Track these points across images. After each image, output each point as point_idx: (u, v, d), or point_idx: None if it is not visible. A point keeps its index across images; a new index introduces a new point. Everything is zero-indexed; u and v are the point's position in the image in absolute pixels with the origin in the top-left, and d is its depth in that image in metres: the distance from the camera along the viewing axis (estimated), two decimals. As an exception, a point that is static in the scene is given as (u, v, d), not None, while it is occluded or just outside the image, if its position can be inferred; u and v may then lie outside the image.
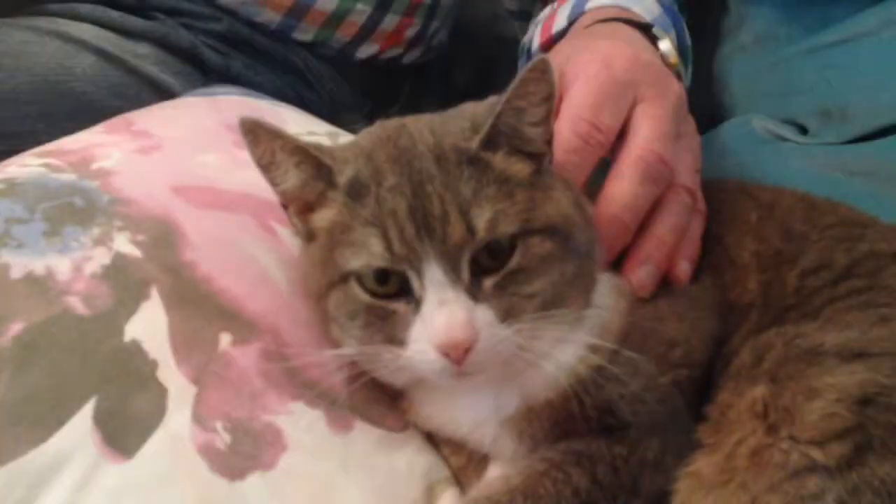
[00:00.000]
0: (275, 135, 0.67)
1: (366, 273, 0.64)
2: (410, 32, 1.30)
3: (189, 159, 0.85)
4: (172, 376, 0.65)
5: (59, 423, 0.61)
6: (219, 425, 0.65)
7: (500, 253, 0.64)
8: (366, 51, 1.29)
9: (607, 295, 0.70)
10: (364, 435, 0.71)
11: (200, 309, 0.70)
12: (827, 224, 0.76)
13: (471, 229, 0.62)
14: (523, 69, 0.64)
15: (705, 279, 0.74)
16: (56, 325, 0.65)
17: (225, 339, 0.69)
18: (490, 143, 0.65)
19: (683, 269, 0.74)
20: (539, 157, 0.68)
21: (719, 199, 0.80)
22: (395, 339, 0.64)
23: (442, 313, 0.62)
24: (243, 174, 0.85)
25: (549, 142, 0.68)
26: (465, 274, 0.63)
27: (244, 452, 0.64)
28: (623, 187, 0.72)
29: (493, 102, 0.67)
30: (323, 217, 0.68)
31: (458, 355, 0.61)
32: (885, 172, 0.93)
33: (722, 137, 1.10)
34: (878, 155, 0.95)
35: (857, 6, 1.04)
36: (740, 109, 1.15)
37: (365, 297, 0.65)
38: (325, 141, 0.94)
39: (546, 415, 0.69)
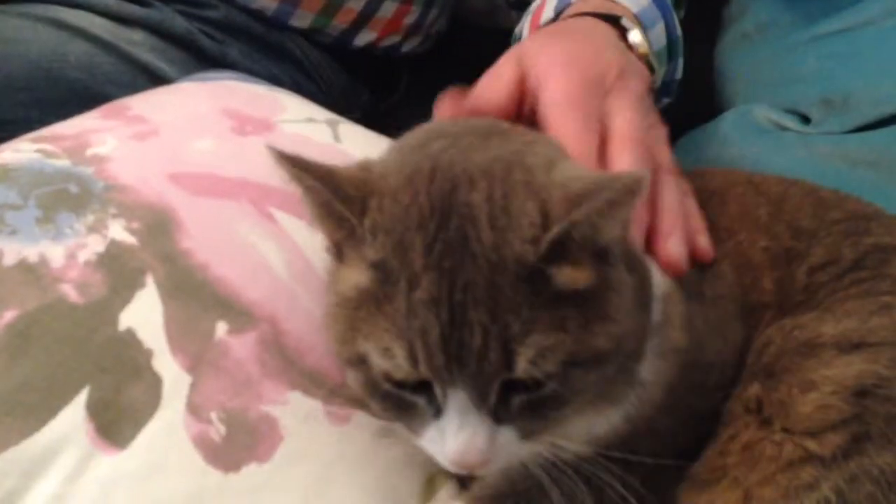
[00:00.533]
0: (294, 172, 0.58)
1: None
2: (409, 20, 1.29)
3: (185, 145, 0.83)
4: (167, 366, 0.64)
5: (52, 412, 0.60)
6: (214, 416, 0.64)
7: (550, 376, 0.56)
8: (363, 38, 1.28)
9: (650, 364, 0.63)
10: (362, 426, 0.69)
11: (196, 297, 0.69)
12: (834, 219, 0.74)
13: (509, 364, 0.54)
14: (620, 185, 0.54)
15: (730, 279, 0.70)
16: (49, 313, 0.64)
17: (221, 328, 0.68)
18: (556, 251, 0.54)
19: (703, 242, 0.70)
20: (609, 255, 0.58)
21: (726, 193, 0.78)
22: (412, 426, 0.59)
23: (460, 438, 0.56)
24: (241, 160, 0.84)
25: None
26: (494, 397, 0.55)
27: (239, 444, 0.64)
28: (627, 165, 0.69)
29: (572, 194, 0.55)
30: (349, 279, 0.58)
31: (470, 470, 0.59)
32: (888, 162, 0.92)
33: (723, 127, 1.09)
34: (881, 144, 0.94)
35: (860, -6, 1.03)
36: (742, 99, 1.14)
37: (385, 384, 0.58)
38: (325, 130, 0.93)
39: (566, 464, 0.64)
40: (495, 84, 0.75)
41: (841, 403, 0.62)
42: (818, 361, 0.64)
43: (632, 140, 0.71)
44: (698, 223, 0.73)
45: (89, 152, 0.78)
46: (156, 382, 0.64)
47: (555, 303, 0.54)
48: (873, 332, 0.65)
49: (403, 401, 0.58)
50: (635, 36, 0.87)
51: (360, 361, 0.58)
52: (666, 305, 0.64)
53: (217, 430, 0.63)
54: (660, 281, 0.65)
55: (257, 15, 1.21)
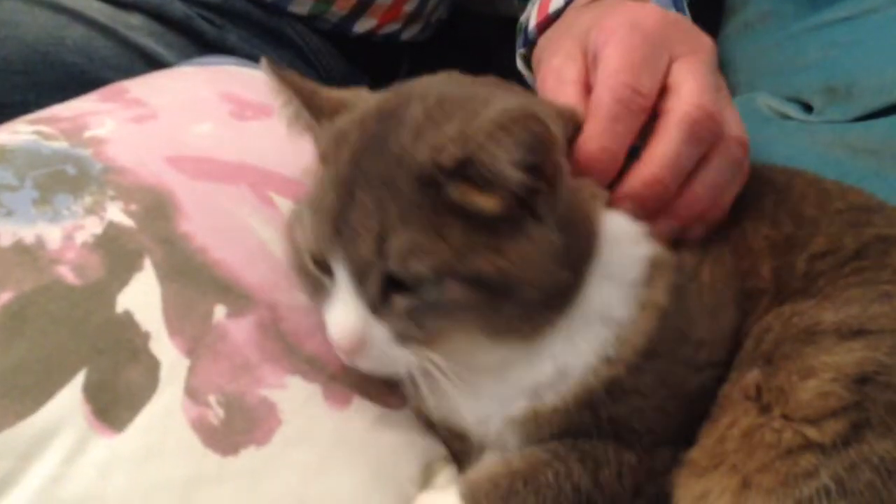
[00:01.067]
0: (278, 82, 0.69)
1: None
2: (409, 7, 1.28)
3: (184, 129, 0.83)
4: (165, 349, 0.64)
5: (48, 394, 0.59)
6: (212, 399, 0.63)
7: (422, 281, 0.60)
8: (363, 25, 1.27)
9: (626, 307, 0.66)
10: (362, 411, 0.69)
11: (195, 281, 0.68)
12: (837, 209, 0.74)
13: (381, 253, 0.59)
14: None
15: (729, 264, 0.70)
16: (46, 294, 0.63)
17: (220, 312, 0.68)
18: (458, 170, 0.59)
19: (698, 231, 0.71)
20: (522, 199, 0.61)
21: None
22: (321, 305, 0.66)
23: (334, 313, 0.63)
24: (240, 144, 0.84)
25: (542, 183, 0.61)
26: (374, 288, 0.61)
27: (237, 427, 0.63)
28: (666, 145, 0.68)
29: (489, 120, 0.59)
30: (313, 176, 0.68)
31: (345, 355, 0.64)
32: (890, 150, 0.92)
33: (726, 116, 1.10)
34: (884, 133, 0.94)
35: (864, -17, 1.03)
36: (745, 87, 1.14)
37: (309, 265, 0.66)
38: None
39: (555, 420, 0.67)
40: (561, 88, 0.74)
41: (841, 390, 0.61)
42: (818, 348, 0.64)
43: (688, 116, 0.68)
44: (719, 211, 0.72)
45: (87, 134, 0.77)
46: (153, 365, 0.63)
47: (443, 214, 0.59)
48: (874, 319, 0.65)
49: (318, 280, 0.65)
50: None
51: (296, 246, 0.67)
52: (652, 268, 0.66)
53: (215, 414, 0.63)
54: (646, 244, 0.67)
55: (257, 0, 1.20)
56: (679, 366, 0.66)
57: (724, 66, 1.20)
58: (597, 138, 0.67)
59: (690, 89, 0.70)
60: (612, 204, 0.67)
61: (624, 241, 0.67)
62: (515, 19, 1.07)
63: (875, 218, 0.74)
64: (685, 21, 0.79)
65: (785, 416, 0.62)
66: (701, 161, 0.70)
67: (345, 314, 0.62)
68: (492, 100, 0.64)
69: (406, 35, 1.33)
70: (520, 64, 0.99)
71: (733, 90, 1.15)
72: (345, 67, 1.30)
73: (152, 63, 1.13)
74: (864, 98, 0.97)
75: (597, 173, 0.68)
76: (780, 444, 0.61)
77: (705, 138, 0.69)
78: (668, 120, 0.69)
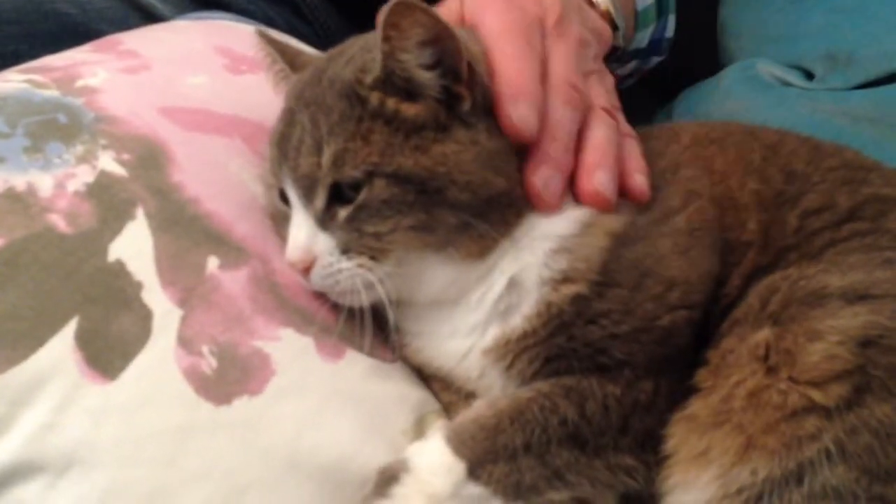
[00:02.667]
0: (265, 45, 0.79)
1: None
2: (408, -36, 1.27)
3: (178, 81, 0.82)
4: (157, 298, 0.64)
5: (40, 342, 0.59)
6: (205, 349, 0.63)
7: (360, 189, 0.66)
8: (363, -18, 1.26)
9: (570, 226, 0.70)
10: (354, 364, 0.69)
11: (187, 231, 0.68)
12: (830, 166, 0.75)
13: (319, 165, 0.66)
14: (382, 11, 0.64)
15: (708, 211, 0.72)
16: (37, 242, 0.62)
17: (212, 263, 0.67)
18: (382, 82, 0.66)
19: (638, 181, 0.73)
20: (445, 103, 0.67)
21: (725, 139, 0.79)
22: (285, 236, 0.71)
23: (290, 234, 0.69)
24: (235, 97, 0.83)
25: (459, 86, 0.67)
26: (320, 202, 0.67)
27: (231, 377, 0.63)
28: (554, 111, 0.71)
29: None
30: None
31: (299, 272, 0.68)
32: (891, 119, 0.92)
33: (726, 81, 1.10)
34: (884, 101, 0.94)
35: (867, -50, 1.03)
36: (745, 54, 1.14)
37: (279, 203, 0.72)
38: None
39: (530, 347, 0.68)
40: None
41: (846, 353, 0.62)
42: (824, 311, 0.65)
43: (564, 83, 0.73)
44: (636, 163, 0.74)
45: (79, 83, 0.76)
46: (146, 315, 0.63)
47: (367, 122, 0.66)
48: (877, 284, 0.66)
49: (283, 214, 0.71)
50: None
51: (268, 189, 0.74)
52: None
53: (208, 364, 0.63)
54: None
55: (255, -45, 1.19)
56: (648, 300, 0.68)
57: (724, 32, 1.21)
58: (509, 65, 0.70)
59: (559, 59, 0.75)
60: (539, 180, 0.70)
61: None
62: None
63: (871, 176, 0.75)
64: (566, 3, 0.81)
65: (791, 379, 0.63)
66: (583, 127, 0.74)
67: (296, 232, 0.68)
68: None
69: (405, -8, 1.32)
70: None
71: (734, 57, 1.16)
72: (341, 24, 1.29)
73: (147, 16, 1.11)
74: (865, 66, 0.98)
75: (525, 95, 0.69)
76: (786, 406, 0.62)
77: (578, 104, 0.74)
78: (548, 91, 0.73)
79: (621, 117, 0.79)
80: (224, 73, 0.87)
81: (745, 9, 1.18)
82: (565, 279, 0.68)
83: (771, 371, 0.64)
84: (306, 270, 0.68)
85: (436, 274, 0.69)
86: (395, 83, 0.66)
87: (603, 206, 0.70)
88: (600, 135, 0.74)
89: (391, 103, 0.66)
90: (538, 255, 0.69)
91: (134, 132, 0.72)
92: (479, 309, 0.70)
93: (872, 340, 0.63)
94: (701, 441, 0.65)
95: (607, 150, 0.73)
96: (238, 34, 0.97)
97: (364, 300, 0.68)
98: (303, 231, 0.68)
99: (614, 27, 0.92)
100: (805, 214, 0.72)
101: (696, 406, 0.66)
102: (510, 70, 0.70)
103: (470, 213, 0.67)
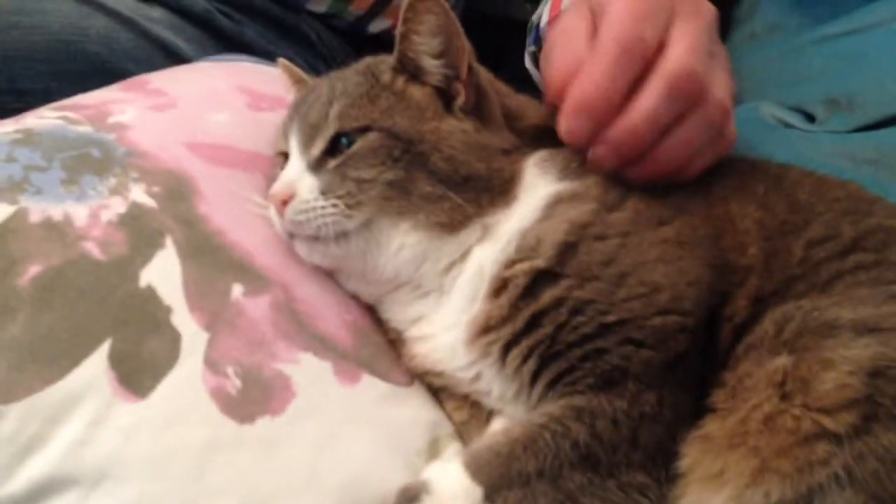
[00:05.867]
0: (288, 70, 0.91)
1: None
2: (423, 9, 1.31)
3: (203, 117, 0.86)
4: (186, 322, 0.67)
5: (75, 362, 0.62)
6: (230, 370, 0.66)
7: (352, 133, 0.74)
8: (378, 25, 1.30)
9: (532, 217, 0.74)
10: (371, 387, 0.72)
11: (213, 259, 0.71)
12: (834, 197, 0.77)
13: (326, 115, 0.75)
14: (407, 6, 0.74)
15: (700, 229, 0.75)
16: (73, 268, 0.66)
17: (237, 290, 0.70)
18: (398, 68, 0.77)
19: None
20: (446, 91, 0.77)
21: (730, 169, 0.81)
22: None
23: (279, 176, 0.76)
24: (256, 134, 0.87)
25: (458, 82, 0.76)
26: (317, 149, 0.75)
27: (254, 397, 0.66)
28: (647, 98, 0.73)
29: None
30: None
31: (277, 207, 0.74)
32: (890, 161, 0.93)
33: (731, 123, 1.11)
34: (884, 144, 0.95)
35: (867, -2, 1.05)
36: (750, 96, 1.15)
37: (277, 170, 0.79)
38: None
39: (511, 341, 0.71)
40: (569, 43, 0.78)
41: (857, 383, 0.64)
42: (837, 342, 0.66)
43: (672, 73, 0.73)
44: (690, 168, 0.77)
45: (110, 120, 0.80)
46: (175, 337, 0.66)
47: (376, 90, 0.76)
48: (885, 318, 0.68)
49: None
50: None
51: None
52: (569, 195, 0.75)
53: (233, 384, 0.66)
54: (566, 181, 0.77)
55: (276, -3, 1.23)
56: (633, 298, 0.70)
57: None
58: (593, 76, 0.72)
59: (680, 49, 0.74)
60: (593, 149, 0.75)
61: (540, 180, 0.77)
62: (527, 24, 1.10)
63: (875, 208, 0.77)
64: None
65: (805, 405, 0.65)
66: (679, 118, 0.74)
67: (286, 171, 0.76)
68: None
69: (419, 35, 1.36)
70: (528, 62, 1.01)
71: (739, 98, 1.17)
72: (357, 64, 1.33)
73: (171, 55, 1.16)
74: (865, 109, 0.99)
75: (589, 110, 0.73)
76: (800, 431, 0.64)
77: (685, 98, 0.74)
78: (654, 76, 0.73)
79: (732, 115, 0.80)
80: (246, 110, 0.91)
81: (750, 52, 1.19)
82: (519, 259, 0.72)
83: (786, 397, 0.66)
84: (283, 204, 0.74)
85: (405, 241, 0.74)
86: (406, 66, 0.77)
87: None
88: (684, 135, 0.75)
89: (400, 82, 0.77)
90: (501, 243, 0.74)
91: (162, 166, 0.76)
92: (454, 296, 0.75)
93: (881, 371, 0.64)
94: (716, 462, 0.66)
95: (678, 155, 0.75)
96: (258, 74, 1.01)
97: (333, 251, 0.74)
98: (292, 170, 0.76)
99: None
100: (810, 244, 0.74)
101: (712, 427, 0.68)
102: (588, 79, 0.73)
103: (446, 185, 0.73)
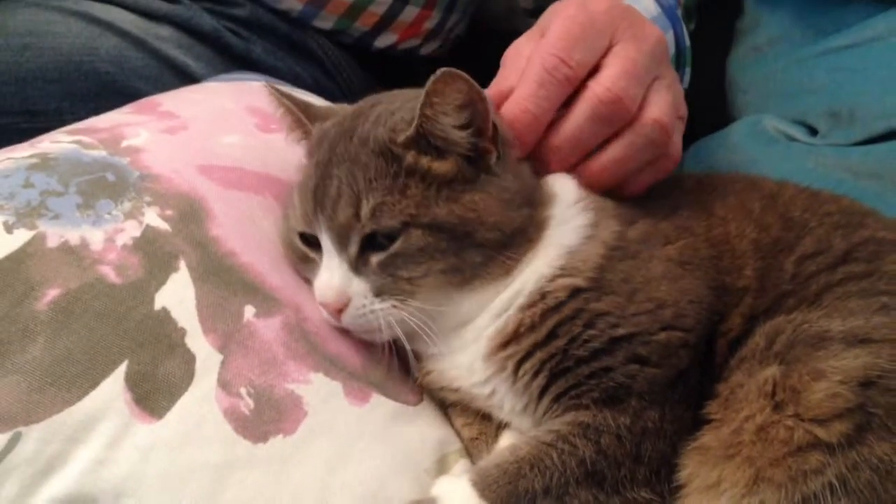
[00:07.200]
0: (278, 98, 0.84)
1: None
2: (429, 24, 1.33)
3: (214, 140, 0.87)
4: (200, 344, 0.68)
5: (93, 384, 0.64)
6: (243, 391, 0.68)
7: (395, 238, 0.71)
8: (384, 41, 1.31)
9: (577, 237, 0.75)
10: (380, 407, 0.74)
11: (226, 282, 0.73)
12: (827, 211, 0.79)
13: (357, 216, 0.72)
14: (430, 81, 0.70)
15: (701, 250, 0.76)
16: (90, 291, 0.67)
17: (249, 311, 0.72)
18: (414, 141, 0.72)
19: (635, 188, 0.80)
20: (471, 158, 0.74)
21: (728, 187, 0.83)
22: (311, 276, 0.77)
23: (321, 277, 0.74)
24: (266, 156, 0.88)
25: (486, 142, 0.74)
26: (354, 249, 0.73)
27: (266, 417, 0.67)
28: (570, 121, 0.76)
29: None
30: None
31: (332, 313, 0.74)
32: (891, 174, 0.95)
33: (733, 136, 1.13)
34: (885, 157, 0.97)
35: (869, 12, 1.06)
36: (752, 109, 1.16)
37: (297, 242, 0.78)
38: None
39: (529, 353, 0.73)
40: (515, 62, 0.81)
41: (848, 393, 0.65)
42: (827, 353, 0.68)
43: (595, 97, 0.76)
44: (631, 184, 0.80)
45: (124, 144, 0.81)
46: (189, 359, 0.67)
47: (403, 178, 0.72)
48: (876, 329, 0.69)
49: (307, 256, 0.77)
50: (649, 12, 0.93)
51: (288, 228, 0.78)
52: (597, 213, 0.77)
53: (246, 404, 0.67)
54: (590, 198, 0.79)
55: (282, 15, 1.25)
56: (642, 313, 0.72)
57: (732, 87, 1.24)
58: (520, 100, 0.76)
59: (610, 72, 0.77)
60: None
61: (571, 193, 0.78)
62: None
63: (867, 220, 0.78)
64: (635, 11, 0.84)
65: (797, 415, 0.66)
66: (611, 138, 0.78)
67: (329, 275, 0.73)
68: None
69: (425, 50, 1.38)
70: None
71: (741, 111, 1.19)
72: (364, 80, 1.34)
73: (181, 74, 1.18)
74: (866, 123, 1.00)
75: (517, 133, 0.76)
76: (792, 441, 0.65)
77: (609, 119, 0.77)
78: (580, 98, 0.77)
79: (676, 136, 0.82)
80: (255, 131, 0.92)
81: (753, 66, 1.20)
82: (563, 274, 0.73)
83: (778, 407, 0.67)
84: (338, 311, 0.73)
85: (462, 303, 0.75)
86: (428, 142, 0.72)
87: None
88: (614, 153, 0.78)
89: (424, 161, 0.72)
90: (547, 258, 0.74)
91: (175, 189, 0.77)
92: (483, 316, 0.75)
93: (872, 381, 0.66)
94: (713, 472, 0.68)
95: (610, 171, 0.78)
96: (266, 94, 1.02)
97: (391, 336, 0.73)
98: (336, 274, 0.73)
99: None
100: (800, 260, 0.75)
101: (708, 437, 0.70)
102: (513, 102, 0.76)
103: (495, 248, 0.73)
